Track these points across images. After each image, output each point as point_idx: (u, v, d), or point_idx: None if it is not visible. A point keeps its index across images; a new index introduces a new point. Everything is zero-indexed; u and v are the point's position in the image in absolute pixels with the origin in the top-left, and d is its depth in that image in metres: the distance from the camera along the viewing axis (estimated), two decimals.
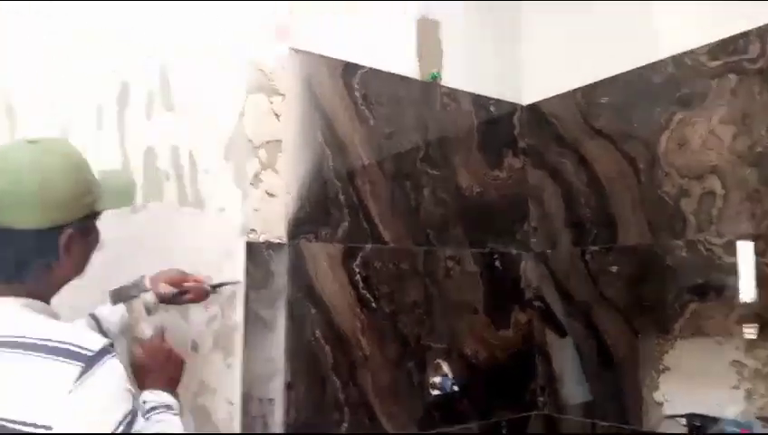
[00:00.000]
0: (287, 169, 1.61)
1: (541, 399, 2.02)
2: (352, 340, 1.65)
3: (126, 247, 1.35)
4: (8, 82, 1.27)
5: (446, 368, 1.80)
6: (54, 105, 1.31)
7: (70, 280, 1.00)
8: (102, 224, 1.17)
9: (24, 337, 0.84)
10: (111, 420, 0.84)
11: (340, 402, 1.60)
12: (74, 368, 0.82)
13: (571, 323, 1.96)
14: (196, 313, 1.44)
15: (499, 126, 2.08)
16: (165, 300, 1.29)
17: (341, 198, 1.69)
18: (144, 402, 1.06)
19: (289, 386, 1.52)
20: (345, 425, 1.60)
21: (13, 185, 0.89)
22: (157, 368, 1.12)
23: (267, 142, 1.59)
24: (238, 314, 1.49)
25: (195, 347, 1.42)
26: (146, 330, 1.19)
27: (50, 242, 0.91)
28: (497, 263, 2.00)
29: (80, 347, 0.84)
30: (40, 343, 0.83)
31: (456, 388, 1.76)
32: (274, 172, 1.60)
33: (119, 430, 0.83)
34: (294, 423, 1.52)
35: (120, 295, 1.23)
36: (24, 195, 0.89)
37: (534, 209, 2.11)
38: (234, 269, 1.49)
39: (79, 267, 1.01)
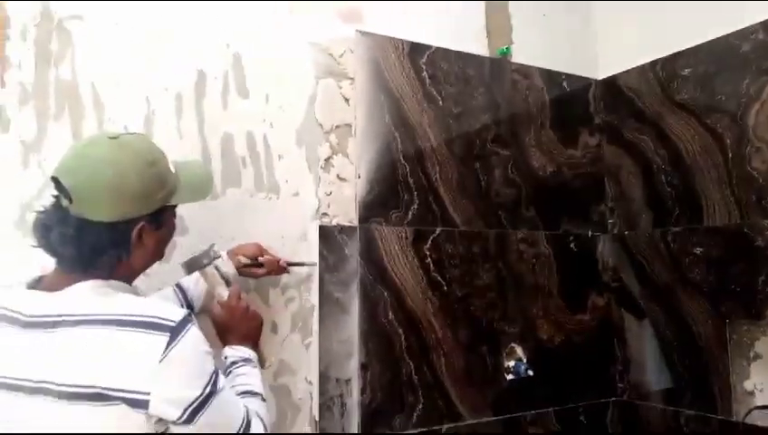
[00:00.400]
0: (357, 152, 1.61)
1: (620, 385, 1.96)
2: (424, 323, 1.65)
3: (208, 232, 1.40)
4: (94, 76, 1.33)
5: (520, 352, 1.77)
6: (137, 96, 1.37)
7: (146, 268, 1.05)
8: (186, 210, 1.22)
9: (111, 314, 0.90)
10: (199, 383, 0.91)
11: (414, 384, 1.61)
12: (161, 338, 0.88)
13: (651, 307, 1.88)
14: (275, 295, 1.48)
15: (573, 102, 2.00)
16: (242, 272, 1.34)
17: (411, 180, 1.68)
18: (225, 358, 1.13)
19: (364, 367, 1.55)
20: (420, 406, 1.61)
21: (89, 178, 0.93)
22: (235, 324, 1.19)
23: (337, 127, 1.60)
24: (314, 296, 1.52)
25: (274, 329, 1.47)
26: (223, 292, 1.24)
27: (122, 235, 0.95)
28: (572, 245, 1.94)
29: (163, 319, 0.90)
30: (127, 318, 0.90)
31: (530, 372, 1.73)
32: (345, 157, 1.61)
33: (207, 390, 0.91)
34: (370, 404, 1.54)
35: (192, 265, 1.27)
36: (99, 189, 0.92)
37: (611, 189, 2.03)
38: (309, 252, 1.53)
39: (155, 256, 1.05)
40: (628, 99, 1.97)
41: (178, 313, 0.92)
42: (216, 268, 1.26)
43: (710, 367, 1.71)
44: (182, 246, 1.35)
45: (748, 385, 1.63)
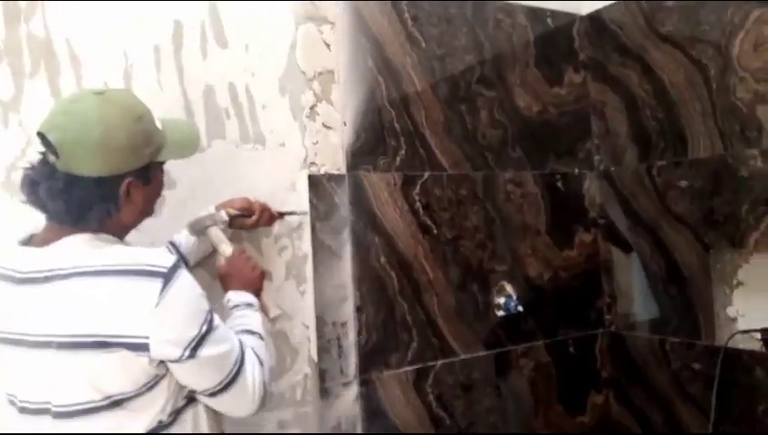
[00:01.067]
0: (341, 99, 1.60)
1: (607, 317, 2.02)
2: (416, 265, 1.68)
3: (196, 185, 1.41)
4: (69, 31, 1.30)
5: (509, 289, 1.82)
6: (114, 50, 1.34)
7: (136, 223, 1.07)
8: (174, 164, 1.22)
9: (102, 265, 0.92)
10: (196, 322, 0.95)
11: (408, 324, 1.66)
12: (155, 284, 0.91)
13: (637, 240, 1.92)
14: (268, 244, 1.50)
15: (557, 39, 1.98)
16: (232, 224, 1.36)
17: (397, 126, 1.68)
18: (228, 301, 1.17)
19: (359, 310, 1.59)
20: (414, 344, 1.66)
21: (77, 134, 0.93)
22: (237, 272, 1.23)
23: (320, 74, 1.59)
24: (306, 244, 1.54)
25: (269, 277, 1.49)
26: (227, 249, 1.28)
27: (110, 189, 0.96)
28: (559, 183, 1.95)
29: (155, 266, 0.92)
30: (119, 267, 0.92)
31: (520, 308, 1.78)
32: (329, 104, 1.60)
33: (204, 328, 0.95)
34: (366, 344, 1.59)
35: (196, 226, 1.32)
36: (86, 144, 0.92)
37: (597, 126, 2.03)
38: (299, 202, 1.53)
39: (144, 212, 1.07)
40: (613, 33, 1.95)
41: (169, 259, 0.95)
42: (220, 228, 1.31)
43: (694, 296, 1.76)
44: (171, 200, 1.36)
45: (731, 311, 1.69)
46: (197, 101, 1.43)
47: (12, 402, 0.98)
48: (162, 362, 0.93)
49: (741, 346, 1.65)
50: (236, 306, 1.16)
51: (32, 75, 1.27)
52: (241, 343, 1.04)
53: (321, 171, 1.57)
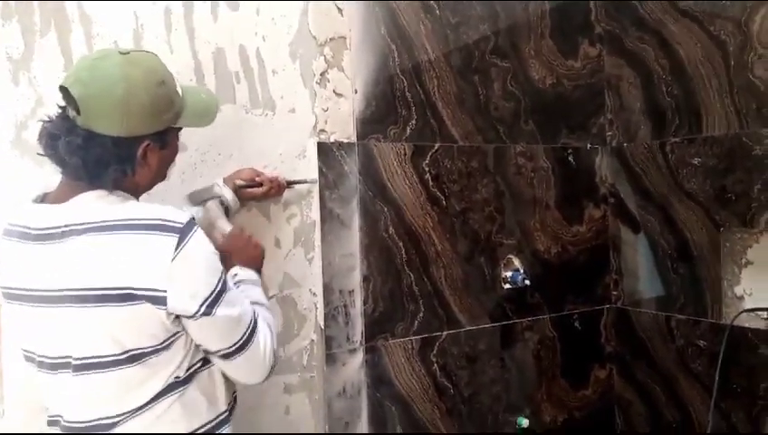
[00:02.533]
0: (353, 66, 1.58)
1: (614, 293, 2.02)
2: (424, 236, 1.68)
3: (206, 149, 1.40)
4: None
5: (517, 263, 1.81)
6: (124, 10, 1.32)
7: (150, 187, 1.07)
8: (183, 128, 1.21)
9: (118, 219, 0.92)
10: (212, 280, 0.95)
11: (415, 294, 1.66)
12: (171, 239, 0.91)
13: (647, 217, 1.91)
14: (277, 212, 1.50)
15: (573, 11, 1.94)
16: (241, 194, 1.36)
17: (408, 95, 1.66)
18: (235, 275, 1.16)
19: (366, 279, 1.59)
20: (420, 315, 1.67)
21: (99, 92, 0.92)
22: (239, 250, 1.20)
23: (332, 39, 1.56)
24: (315, 212, 1.54)
25: (278, 244, 1.49)
26: (225, 226, 1.27)
27: (128, 150, 0.96)
28: (570, 158, 1.94)
29: (171, 221, 0.93)
30: (134, 222, 0.92)
31: (527, 282, 1.78)
32: (341, 71, 1.57)
33: (219, 287, 0.95)
34: (373, 313, 1.60)
35: (194, 198, 1.33)
36: (107, 102, 0.92)
37: (611, 100, 2.00)
38: (308, 169, 1.53)
39: (157, 176, 1.06)
40: (631, 6, 1.91)
41: (184, 215, 0.95)
42: (225, 202, 1.31)
43: (703, 274, 1.76)
44: (181, 163, 1.35)
45: (738, 290, 1.68)
46: (208, 65, 1.41)
47: (30, 359, 0.99)
48: (178, 317, 0.94)
49: (747, 325, 1.65)
50: (242, 281, 1.15)
51: (42, 33, 1.25)
52: (253, 310, 1.04)
53: (331, 139, 1.56)
